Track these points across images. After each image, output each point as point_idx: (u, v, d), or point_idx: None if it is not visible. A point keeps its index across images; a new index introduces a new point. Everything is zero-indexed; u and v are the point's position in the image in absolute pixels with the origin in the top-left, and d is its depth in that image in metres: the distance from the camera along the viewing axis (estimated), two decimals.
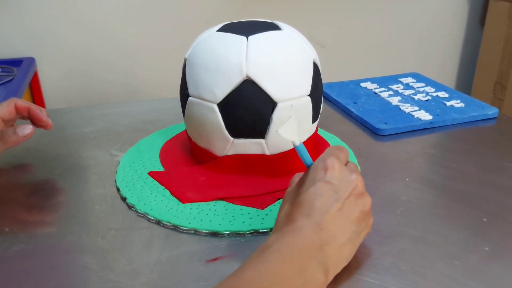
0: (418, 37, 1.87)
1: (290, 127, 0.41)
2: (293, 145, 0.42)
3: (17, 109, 0.59)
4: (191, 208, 0.52)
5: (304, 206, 0.40)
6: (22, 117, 0.61)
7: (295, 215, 0.39)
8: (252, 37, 0.55)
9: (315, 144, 0.65)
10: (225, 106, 0.54)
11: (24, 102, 0.59)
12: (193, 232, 0.49)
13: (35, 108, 0.60)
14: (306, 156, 0.43)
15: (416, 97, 0.85)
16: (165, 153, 0.64)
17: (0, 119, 0.58)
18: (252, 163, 0.57)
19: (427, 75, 0.97)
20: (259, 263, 0.36)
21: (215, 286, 0.35)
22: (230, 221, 0.50)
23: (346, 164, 0.44)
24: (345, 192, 0.41)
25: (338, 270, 0.40)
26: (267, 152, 0.56)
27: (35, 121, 0.60)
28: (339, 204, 0.40)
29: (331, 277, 0.39)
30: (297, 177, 0.46)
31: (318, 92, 0.59)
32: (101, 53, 1.53)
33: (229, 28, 0.57)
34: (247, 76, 0.53)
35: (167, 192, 0.55)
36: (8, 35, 1.43)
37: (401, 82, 0.93)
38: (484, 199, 0.55)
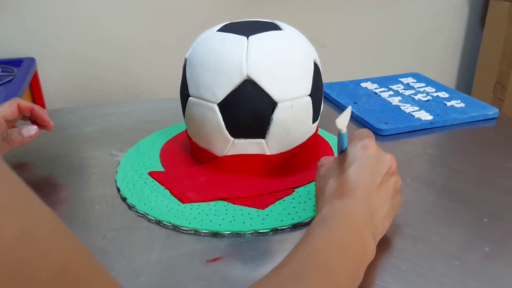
0: (418, 37, 1.87)
1: (345, 117, 0.44)
2: (340, 132, 0.45)
3: (20, 109, 0.60)
4: (191, 208, 0.52)
5: (351, 181, 0.42)
6: (24, 118, 0.62)
7: (343, 190, 0.42)
8: (253, 37, 0.55)
9: (315, 145, 0.65)
10: (225, 106, 0.54)
11: (27, 103, 0.60)
12: (193, 232, 0.49)
13: (38, 108, 0.60)
14: (345, 141, 0.46)
15: (417, 97, 0.85)
16: (165, 153, 0.64)
17: (3, 119, 0.58)
18: (252, 163, 0.57)
19: (427, 75, 0.97)
20: (324, 233, 0.39)
21: (290, 253, 0.37)
22: (230, 221, 0.50)
23: None
24: (384, 169, 0.44)
25: (378, 240, 0.43)
26: (267, 152, 0.56)
27: (37, 122, 0.61)
28: (380, 179, 0.43)
29: (375, 244, 0.42)
30: (325, 159, 0.48)
31: (318, 92, 0.59)
32: (101, 53, 1.53)
33: (229, 28, 0.57)
34: (248, 76, 0.53)
35: (167, 192, 0.55)
36: (8, 35, 1.42)
37: (402, 82, 0.93)
38: (485, 199, 0.55)
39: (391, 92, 0.87)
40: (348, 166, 0.43)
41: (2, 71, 1.30)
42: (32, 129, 0.57)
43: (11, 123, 0.61)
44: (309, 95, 0.56)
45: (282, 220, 0.50)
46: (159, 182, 0.57)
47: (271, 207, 0.53)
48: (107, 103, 1.24)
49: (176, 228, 0.50)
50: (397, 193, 0.46)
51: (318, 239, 0.38)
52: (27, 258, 0.22)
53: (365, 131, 0.47)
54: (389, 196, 0.44)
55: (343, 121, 0.43)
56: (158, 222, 0.51)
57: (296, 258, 0.37)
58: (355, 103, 0.83)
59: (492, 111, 0.78)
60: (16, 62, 1.37)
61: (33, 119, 0.61)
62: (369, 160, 0.43)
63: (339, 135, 0.45)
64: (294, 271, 0.35)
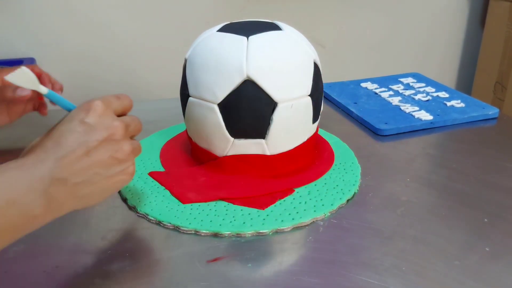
0: (418, 37, 1.87)
1: (21, 74, 0.44)
2: (44, 94, 0.45)
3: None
4: (191, 209, 0.52)
5: (50, 141, 0.40)
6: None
7: (38, 147, 0.40)
8: (253, 37, 0.55)
9: (316, 145, 0.65)
10: (225, 106, 0.54)
11: (37, 69, 0.62)
12: (193, 232, 0.49)
13: (45, 75, 0.63)
14: (63, 101, 0.46)
15: (417, 97, 0.85)
16: (166, 154, 0.64)
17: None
18: (253, 164, 0.57)
19: (427, 75, 0.97)
20: None
21: None
22: (230, 222, 0.50)
23: (121, 115, 0.46)
24: (98, 136, 0.41)
25: (76, 206, 0.41)
26: (268, 153, 0.56)
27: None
28: (85, 146, 0.40)
29: (57, 209, 0.39)
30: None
31: (318, 92, 0.58)
32: (101, 54, 1.53)
33: (229, 28, 0.57)
34: (248, 76, 0.53)
35: (168, 193, 0.55)
36: (8, 35, 1.42)
37: (402, 82, 0.93)
38: (485, 199, 0.55)
39: (391, 92, 0.87)
40: (59, 125, 0.42)
41: None
42: (26, 91, 0.58)
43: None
44: (309, 95, 0.56)
45: (282, 221, 0.50)
46: (159, 183, 0.57)
47: (271, 207, 0.52)
48: None
49: (176, 229, 0.50)
50: (119, 161, 0.42)
51: None
52: None
53: (112, 95, 0.45)
54: (95, 163, 0.40)
55: (22, 79, 0.44)
56: (159, 223, 0.51)
57: None
58: (355, 103, 0.82)
59: (492, 111, 0.78)
60: (16, 62, 1.37)
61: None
62: (81, 125, 0.41)
63: (48, 97, 0.45)
64: None
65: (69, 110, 0.45)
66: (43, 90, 0.45)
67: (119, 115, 0.45)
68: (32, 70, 0.62)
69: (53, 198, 0.38)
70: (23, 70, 0.44)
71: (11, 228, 0.36)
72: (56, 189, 0.38)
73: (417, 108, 0.79)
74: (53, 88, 0.65)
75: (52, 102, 0.46)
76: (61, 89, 0.67)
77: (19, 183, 0.37)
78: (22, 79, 0.44)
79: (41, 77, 0.63)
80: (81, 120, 0.41)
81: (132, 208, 0.53)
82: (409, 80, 0.94)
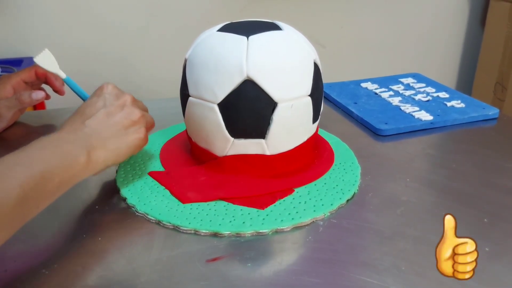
0: (418, 37, 1.87)
1: (46, 57, 0.54)
2: (63, 79, 0.56)
3: (36, 74, 0.72)
4: (191, 208, 0.52)
5: (78, 113, 0.52)
6: (40, 83, 0.74)
7: (69, 120, 0.51)
8: (253, 37, 0.55)
9: (315, 145, 0.65)
10: (225, 106, 0.54)
11: (42, 70, 0.66)
12: (193, 232, 0.49)
13: (50, 75, 0.73)
14: (78, 88, 0.57)
15: (417, 97, 0.85)
16: (165, 153, 0.64)
17: (22, 81, 0.71)
18: (252, 163, 0.57)
19: (427, 75, 0.97)
20: (25, 149, 0.44)
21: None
22: (230, 221, 0.50)
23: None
24: (113, 103, 0.53)
25: (109, 160, 0.50)
26: (267, 152, 0.56)
27: (51, 87, 0.74)
28: (105, 109, 0.52)
29: (96, 159, 0.49)
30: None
31: (318, 92, 0.58)
32: (101, 53, 1.53)
33: (229, 28, 0.57)
34: (248, 76, 0.53)
35: (167, 192, 0.55)
36: (8, 35, 1.43)
37: (402, 83, 0.93)
38: (485, 199, 0.55)
39: (391, 93, 0.87)
40: (82, 104, 0.53)
41: (2, 71, 1.30)
42: (40, 93, 0.69)
43: (29, 86, 0.72)
44: (309, 95, 0.56)
45: (282, 220, 0.50)
46: (159, 182, 0.57)
47: (271, 207, 0.52)
48: None
49: (176, 228, 0.50)
50: (134, 123, 0.53)
51: (22, 153, 0.43)
52: None
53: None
54: (116, 122, 0.52)
55: (48, 62, 0.53)
56: (158, 222, 0.51)
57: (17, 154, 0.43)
58: (355, 103, 0.82)
59: (493, 112, 0.78)
60: (16, 62, 1.37)
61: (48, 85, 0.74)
62: (97, 98, 0.53)
63: (64, 82, 0.57)
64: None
65: (83, 97, 0.56)
66: (62, 74, 0.57)
67: None
68: (36, 71, 0.72)
69: (91, 149, 0.48)
70: (47, 52, 0.55)
71: (67, 177, 0.45)
72: (91, 142, 0.49)
73: (417, 108, 0.79)
74: (55, 85, 0.75)
75: (69, 87, 0.56)
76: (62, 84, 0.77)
77: (67, 142, 0.47)
78: (47, 61, 0.54)
79: (48, 78, 0.73)
80: (97, 95, 0.53)
81: (132, 208, 0.53)
82: (409, 80, 0.94)
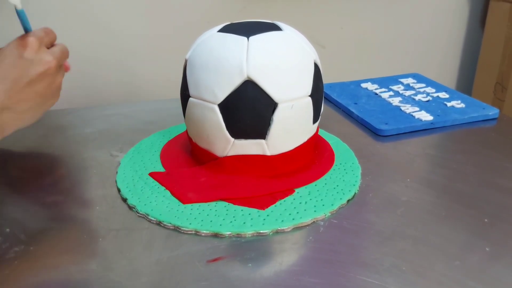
0: (418, 37, 1.87)
1: None
2: (16, 9, 0.52)
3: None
4: (191, 209, 0.52)
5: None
6: None
7: None
8: (253, 38, 0.55)
9: (316, 145, 0.65)
10: (225, 106, 0.54)
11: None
12: (193, 232, 0.49)
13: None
14: (26, 22, 0.55)
15: (417, 97, 0.85)
16: (166, 154, 0.64)
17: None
18: (253, 164, 0.57)
19: (427, 75, 0.97)
20: None
21: None
22: (231, 222, 0.50)
23: (50, 48, 0.55)
24: (37, 70, 0.51)
25: (17, 127, 0.52)
26: (268, 153, 0.57)
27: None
28: (28, 79, 0.50)
29: (7, 132, 0.51)
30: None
31: (318, 93, 0.59)
32: (101, 54, 1.53)
33: (229, 28, 0.58)
34: (248, 77, 0.53)
35: (168, 193, 0.55)
36: (8, 35, 1.42)
37: (402, 83, 0.93)
38: (485, 199, 0.55)
39: (391, 93, 0.87)
40: (2, 59, 0.51)
41: None
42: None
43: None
44: (310, 96, 0.56)
45: (282, 221, 0.50)
46: (160, 183, 0.57)
47: (271, 207, 0.53)
48: (107, 104, 1.24)
49: (176, 229, 0.50)
50: (53, 90, 0.54)
51: None
52: None
53: (41, 30, 0.54)
54: (38, 94, 0.51)
55: None
56: (159, 223, 0.51)
57: None
58: (356, 103, 0.83)
59: (493, 112, 0.78)
60: None
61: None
62: (22, 61, 0.50)
63: (16, 12, 0.52)
64: None
65: (26, 30, 0.54)
66: (19, 5, 0.54)
67: (48, 48, 0.55)
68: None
69: (2, 122, 0.49)
70: None
71: None
72: (6, 115, 0.49)
73: (417, 109, 0.79)
74: None
75: (19, 20, 0.54)
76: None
77: None
78: None
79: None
80: (20, 55, 0.51)
81: (132, 208, 0.53)
82: (409, 80, 0.94)
